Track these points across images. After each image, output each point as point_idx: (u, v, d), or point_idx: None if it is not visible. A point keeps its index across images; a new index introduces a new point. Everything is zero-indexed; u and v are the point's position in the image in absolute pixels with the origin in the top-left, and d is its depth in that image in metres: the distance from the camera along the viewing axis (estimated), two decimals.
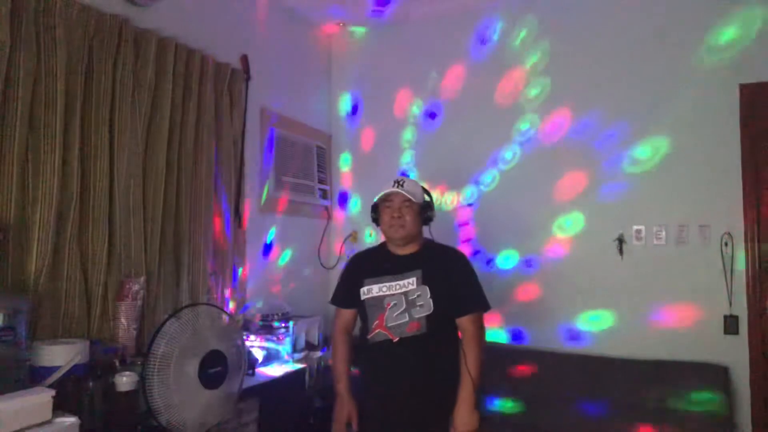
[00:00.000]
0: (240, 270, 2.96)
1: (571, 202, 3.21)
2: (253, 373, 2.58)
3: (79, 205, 2.07)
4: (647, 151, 3.04)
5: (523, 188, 3.34)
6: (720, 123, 2.89)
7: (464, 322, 2.02)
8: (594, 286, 3.13)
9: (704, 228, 2.92)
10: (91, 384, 1.76)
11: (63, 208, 2.01)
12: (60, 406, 1.56)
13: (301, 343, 3.04)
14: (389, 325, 2.01)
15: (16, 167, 1.88)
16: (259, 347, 2.80)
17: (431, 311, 1.98)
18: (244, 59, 3.04)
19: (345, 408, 2.10)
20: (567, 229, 3.22)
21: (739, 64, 2.87)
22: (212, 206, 2.73)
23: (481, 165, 3.45)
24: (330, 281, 3.84)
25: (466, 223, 3.49)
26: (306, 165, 3.63)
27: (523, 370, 3.07)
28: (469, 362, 1.96)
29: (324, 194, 3.80)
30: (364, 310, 2.10)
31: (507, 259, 3.36)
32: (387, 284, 2.04)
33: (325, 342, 3.21)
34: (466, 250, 3.33)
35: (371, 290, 2.06)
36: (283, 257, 3.42)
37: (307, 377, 2.86)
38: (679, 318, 2.94)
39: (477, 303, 2.06)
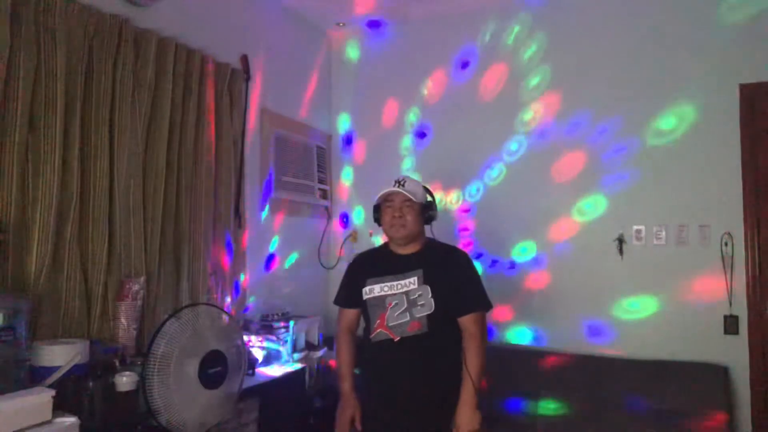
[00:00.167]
0: (240, 270, 2.95)
1: (571, 203, 3.21)
2: (253, 373, 2.58)
3: (79, 205, 2.07)
4: (647, 152, 3.04)
5: (523, 188, 3.33)
6: (720, 123, 2.90)
7: (465, 322, 2.01)
8: (594, 285, 3.12)
9: (704, 228, 2.92)
10: (91, 384, 1.76)
11: (63, 208, 2.01)
12: (60, 406, 1.56)
13: (301, 343, 3.04)
14: (390, 324, 2.01)
15: (16, 167, 1.87)
16: (259, 347, 2.80)
17: (432, 310, 1.98)
18: (244, 59, 3.04)
19: (349, 407, 2.10)
20: (566, 229, 3.22)
21: (739, 64, 2.88)
22: (212, 206, 2.73)
23: (481, 165, 3.45)
24: (330, 281, 3.84)
25: (465, 229, 3.49)
26: (306, 165, 3.63)
27: (523, 370, 3.07)
28: (470, 362, 1.96)
29: (324, 194, 3.80)
30: (366, 309, 2.10)
31: (504, 259, 3.35)
32: (388, 284, 2.05)
33: (326, 342, 3.21)
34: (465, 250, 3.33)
35: (373, 290, 2.07)
36: (283, 257, 3.42)
37: (307, 377, 2.86)
38: (679, 318, 2.94)
39: (478, 302, 2.05)
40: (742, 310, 2.82)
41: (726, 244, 2.86)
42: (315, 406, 2.90)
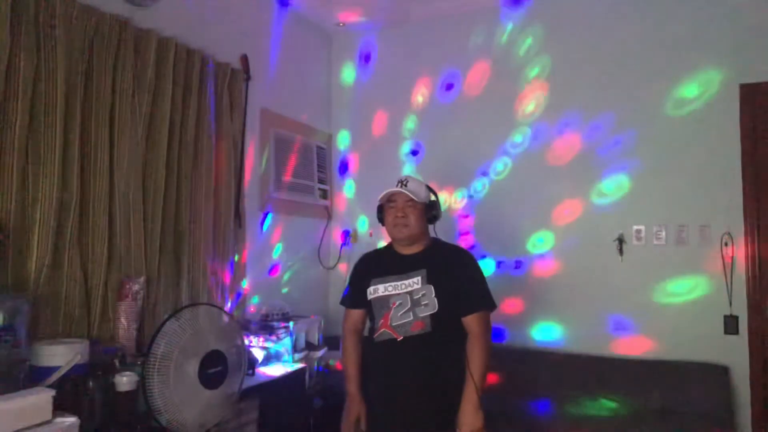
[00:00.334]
0: (240, 270, 2.95)
1: (570, 203, 3.21)
2: (253, 373, 2.58)
3: (79, 205, 2.07)
4: (647, 152, 3.04)
5: (523, 189, 3.34)
6: (720, 123, 2.90)
7: (469, 322, 2.00)
8: (594, 286, 3.13)
9: (704, 228, 2.92)
10: (91, 384, 1.76)
11: (63, 208, 2.01)
12: (60, 406, 1.56)
13: (301, 343, 3.04)
14: (394, 324, 2.01)
15: (16, 167, 1.87)
16: (259, 347, 2.80)
17: (436, 310, 1.98)
18: (244, 59, 3.05)
19: (355, 408, 2.09)
20: (567, 229, 3.22)
21: (739, 64, 2.88)
22: (212, 206, 2.73)
23: (481, 165, 3.45)
24: (330, 281, 3.84)
25: (466, 228, 3.49)
26: (306, 165, 3.63)
27: (522, 370, 3.07)
28: (474, 362, 1.95)
29: (324, 194, 3.80)
30: (371, 310, 2.10)
31: (504, 259, 3.36)
32: (392, 284, 2.05)
33: (326, 342, 3.21)
34: None
35: (377, 290, 2.07)
36: (283, 257, 3.42)
37: (307, 377, 2.86)
38: (679, 318, 2.94)
39: (482, 302, 2.04)
40: (742, 310, 2.82)
41: (726, 244, 2.86)
42: (315, 406, 2.90)
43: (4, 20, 1.83)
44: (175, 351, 1.83)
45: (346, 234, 3.81)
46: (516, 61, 3.39)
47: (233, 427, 2.23)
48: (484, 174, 3.45)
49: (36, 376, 1.70)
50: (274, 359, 2.84)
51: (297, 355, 2.92)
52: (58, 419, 1.52)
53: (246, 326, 2.88)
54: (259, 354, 2.75)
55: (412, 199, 2.04)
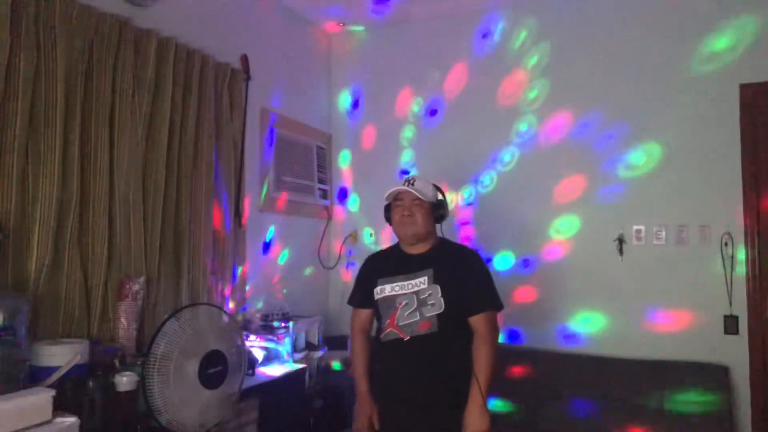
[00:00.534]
0: (240, 270, 2.95)
1: (570, 203, 3.21)
2: (253, 373, 2.58)
3: (79, 205, 2.07)
4: (647, 152, 3.04)
5: (523, 189, 3.34)
6: (720, 123, 2.90)
7: (476, 322, 2.00)
8: (594, 286, 3.13)
9: (704, 228, 2.92)
10: (91, 384, 1.76)
11: (63, 208, 2.01)
12: (60, 406, 1.56)
13: (301, 343, 3.04)
14: (400, 324, 2.01)
15: (16, 167, 1.87)
16: (259, 347, 2.80)
17: (442, 310, 1.97)
18: (244, 59, 3.04)
19: (366, 407, 2.10)
20: (566, 229, 3.22)
21: (739, 64, 2.88)
22: (212, 206, 2.73)
23: (481, 165, 3.45)
24: (330, 281, 3.84)
25: (466, 222, 3.49)
26: (306, 165, 3.63)
27: (521, 370, 3.07)
28: (480, 362, 1.95)
29: (324, 194, 3.80)
30: (378, 309, 2.10)
31: (504, 259, 3.36)
32: (399, 283, 2.05)
33: (326, 342, 3.21)
34: None
35: (384, 290, 2.07)
36: (283, 257, 3.42)
37: (307, 377, 2.86)
38: (679, 318, 2.94)
39: (489, 302, 2.04)
40: (742, 310, 2.82)
41: (726, 244, 2.86)
42: (315, 406, 2.90)
43: (4, 20, 1.83)
44: (175, 351, 1.83)
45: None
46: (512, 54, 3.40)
47: (233, 427, 2.23)
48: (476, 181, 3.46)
49: (36, 376, 1.70)
50: (274, 359, 2.84)
51: (297, 355, 2.91)
52: (58, 419, 1.52)
53: (246, 326, 2.88)
54: (259, 354, 2.75)
55: (419, 198, 2.05)
